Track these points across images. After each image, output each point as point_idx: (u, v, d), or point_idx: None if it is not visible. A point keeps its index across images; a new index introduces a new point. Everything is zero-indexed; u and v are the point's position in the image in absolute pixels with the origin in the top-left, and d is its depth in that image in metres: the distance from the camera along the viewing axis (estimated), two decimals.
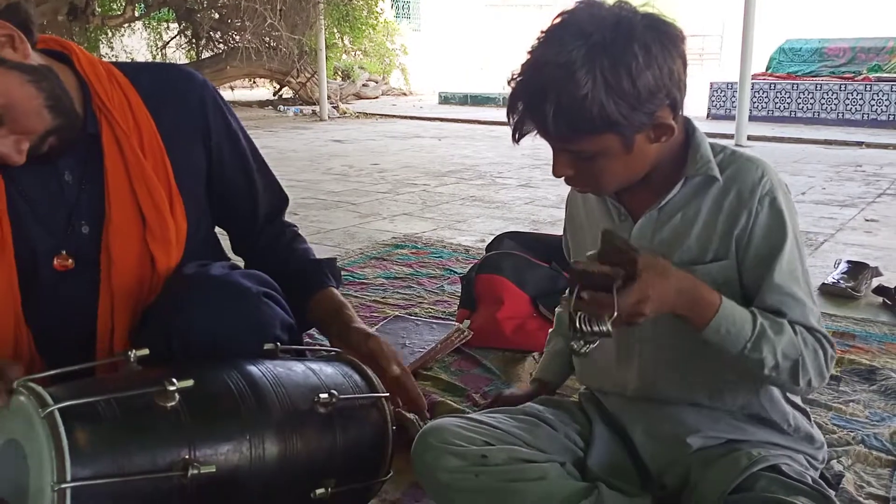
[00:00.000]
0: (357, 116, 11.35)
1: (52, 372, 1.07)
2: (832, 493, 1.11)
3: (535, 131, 1.09)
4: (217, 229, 1.55)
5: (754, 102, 9.19)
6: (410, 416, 1.63)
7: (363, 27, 12.78)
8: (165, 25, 12.13)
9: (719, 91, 9.91)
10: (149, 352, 1.10)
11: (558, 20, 1.05)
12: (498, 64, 13.61)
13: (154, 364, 1.12)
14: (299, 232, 1.61)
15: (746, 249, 1.13)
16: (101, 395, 1.00)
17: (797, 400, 1.25)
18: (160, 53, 11.99)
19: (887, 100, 8.89)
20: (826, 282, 2.71)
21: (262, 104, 12.55)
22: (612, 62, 1.00)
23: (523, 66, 1.06)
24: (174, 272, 1.35)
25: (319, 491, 1.13)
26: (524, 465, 1.14)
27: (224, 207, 1.50)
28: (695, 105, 8.76)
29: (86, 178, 1.32)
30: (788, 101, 9.51)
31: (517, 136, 1.11)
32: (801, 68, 10.19)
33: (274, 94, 13.27)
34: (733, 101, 8.62)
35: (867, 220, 4.03)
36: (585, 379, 1.41)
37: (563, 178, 1.14)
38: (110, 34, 11.15)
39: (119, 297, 1.31)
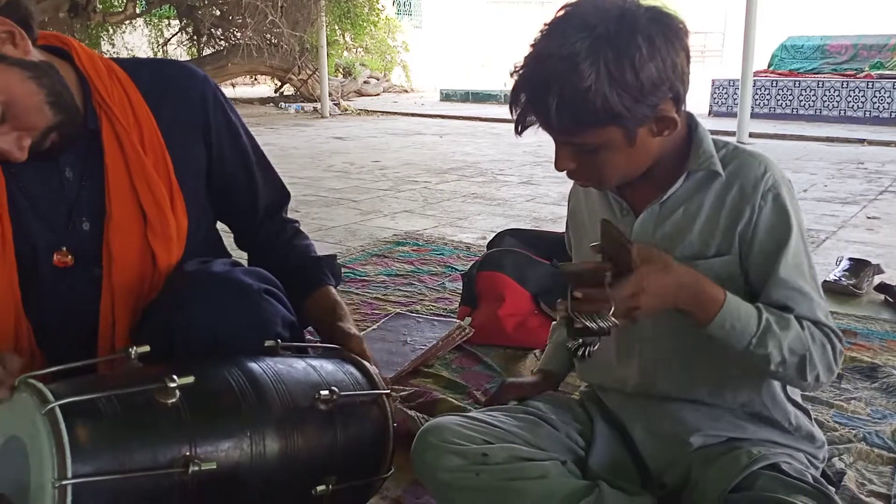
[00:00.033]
0: (358, 113, 11.34)
1: (53, 369, 1.07)
2: (832, 491, 1.11)
3: (538, 124, 1.09)
4: (219, 225, 1.55)
5: (756, 99, 9.18)
6: (412, 413, 1.63)
7: (364, 24, 12.75)
8: (167, 22, 12.12)
9: (721, 88, 9.90)
10: (150, 348, 1.10)
11: (562, 13, 1.05)
12: (499, 61, 13.60)
13: (155, 361, 1.12)
14: (301, 228, 1.61)
15: (751, 245, 1.13)
16: (101, 392, 1.00)
17: (798, 399, 1.25)
18: (161, 50, 11.97)
19: (889, 97, 8.88)
20: (828, 279, 2.71)
21: (264, 101, 12.54)
22: (616, 54, 1.00)
23: (526, 58, 1.06)
24: (175, 269, 1.35)
25: (320, 488, 1.13)
26: (525, 463, 1.14)
27: (224, 202, 1.50)
28: (696, 102, 8.73)
29: (86, 174, 1.32)
30: (790, 98, 9.49)
31: (520, 128, 1.11)
32: (803, 65, 10.18)
33: (275, 92, 13.26)
34: (735, 99, 8.60)
35: (869, 218, 4.03)
36: (585, 375, 1.41)
37: (565, 172, 1.14)
38: (111, 31, 11.14)
39: (120, 293, 1.31)
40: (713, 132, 1.21)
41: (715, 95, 9.93)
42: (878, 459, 1.57)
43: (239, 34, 10.70)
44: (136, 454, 0.98)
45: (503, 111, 10.73)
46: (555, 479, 1.13)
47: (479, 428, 1.19)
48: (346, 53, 14.05)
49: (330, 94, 11.15)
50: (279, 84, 13.08)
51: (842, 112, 9.14)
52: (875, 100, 8.96)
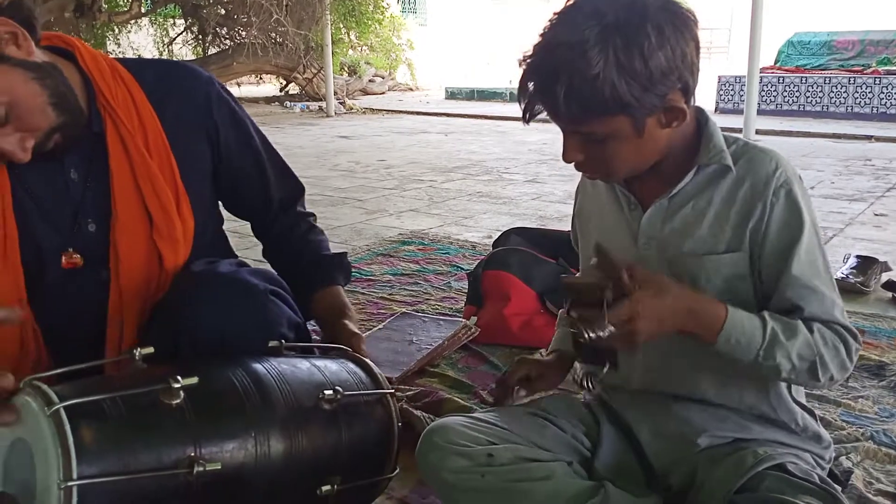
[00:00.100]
0: (363, 112, 11.34)
1: (58, 370, 1.07)
2: (839, 491, 1.10)
3: (546, 114, 1.08)
4: (231, 222, 1.56)
5: (763, 96, 9.15)
6: (417, 412, 1.63)
7: (369, 22, 12.76)
8: (172, 22, 12.14)
9: (727, 85, 9.86)
10: (157, 349, 1.10)
11: (572, 1, 1.04)
12: (504, 59, 13.58)
13: (160, 361, 1.12)
14: (315, 223, 1.61)
15: (763, 243, 1.12)
16: (106, 393, 1.00)
17: (803, 400, 1.24)
18: (167, 50, 12.00)
19: None
20: (835, 277, 2.69)
21: (269, 100, 12.55)
22: (625, 42, 0.99)
23: (535, 47, 1.05)
24: (182, 269, 1.35)
25: (325, 488, 1.13)
26: (530, 464, 1.14)
27: (236, 198, 1.52)
28: (703, 99, 8.72)
29: (91, 176, 1.32)
30: (797, 94, 9.45)
31: (528, 117, 1.10)
32: (809, 61, 10.13)
33: (280, 91, 13.27)
34: (741, 95, 8.57)
35: (876, 215, 4.01)
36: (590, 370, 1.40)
37: (573, 164, 1.13)
38: (117, 31, 11.16)
39: (127, 294, 1.32)
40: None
41: (721, 92, 9.89)
42: (885, 458, 1.56)
43: (244, 33, 10.70)
44: (141, 455, 0.98)
45: (508, 109, 10.75)
46: (560, 480, 1.12)
47: (484, 429, 1.19)
48: (351, 52, 14.06)
49: (335, 93, 11.15)
50: (284, 83, 13.08)
51: (849, 108, 9.09)
52: (882, 96, 8.91)
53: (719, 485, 1.10)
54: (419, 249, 3.32)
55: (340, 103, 11.39)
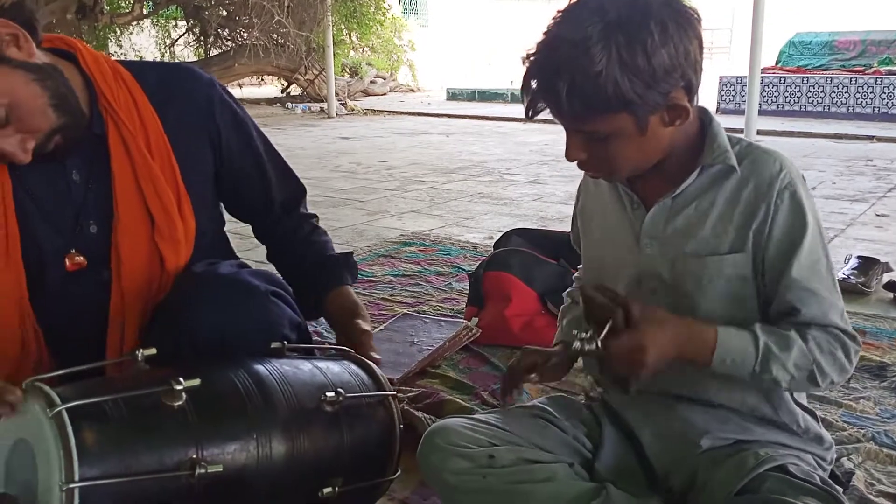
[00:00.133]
0: (365, 113, 11.34)
1: (60, 372, 1.07)
2: (840, 492, 1.10)
3: (549, 111, 1.08)
4: (232, 223, 1.56)
5: (764, 96, 9.13)
6: (419, 414, 1.63)
7: (371, 23, 12.76)
8: (174, 23, 12.15)
9: (729, 85, 9.85)
10: (159, 350, 1.10)
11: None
12: (505, 59, 13.58)
13: (162, 362, 1.12)
14: (318, 224, 1.62)
15: (766, 245, 1.12)
16: (108, 395, 1.01)
17: (804, 401, 1.24)
18: (168, 51, 12.01)
19: None
20: (836, 278, 2.69)
21: (270, 101, 12.55)
22: (628, 39, 0.99)
23: (538, 44, 1.05)
24: (183, 271, 1.35)
25: (327, 490, 1.13)
26: (532, 465, 1.14)
27: (238, 200, 1.52)
28: (704, 99, 8.73)
29: (92, 177, 1.32)
30: (798, 95, 9.44)
31: (530, 114, 1.10)
32: (811, 62, 10.12)
33: (282, 92, 13.27)
34: (743, 96, 8.56)
35: (878, 216, 4.00)
36: (592, 369, 1.40)
37: (575, 162, 1.13)
38: (119, 32, 11.17)
39: (129, 295, 1.32)
40: None
41: (723, 92, 9.88)
42: (886, 459, 1.56)
43: (245, 34, 10.70)
44: (143, 457, 0.98)
45: (509, 110, 10.74)
46: (562, 482, 1.12)
47: (485, 430, 1.18)
48: (352, 53, 14.07)
49: (336, 94, 11.15)
50: (286, 84, 13.08)
51: (850, 108, 9.08)
52: (884, 96, 8.89)
53: (720, 486, 1.10)
54: (420, 250, 3.32)
55: (342, 104, 11.39)
